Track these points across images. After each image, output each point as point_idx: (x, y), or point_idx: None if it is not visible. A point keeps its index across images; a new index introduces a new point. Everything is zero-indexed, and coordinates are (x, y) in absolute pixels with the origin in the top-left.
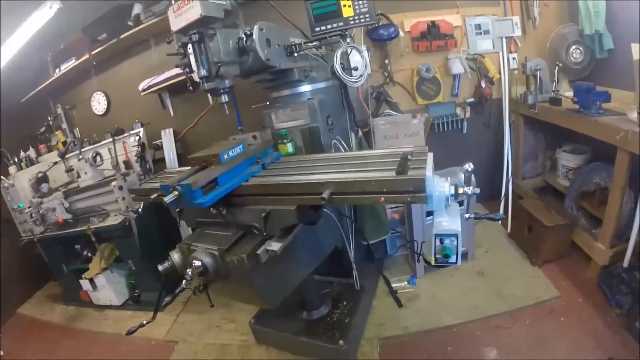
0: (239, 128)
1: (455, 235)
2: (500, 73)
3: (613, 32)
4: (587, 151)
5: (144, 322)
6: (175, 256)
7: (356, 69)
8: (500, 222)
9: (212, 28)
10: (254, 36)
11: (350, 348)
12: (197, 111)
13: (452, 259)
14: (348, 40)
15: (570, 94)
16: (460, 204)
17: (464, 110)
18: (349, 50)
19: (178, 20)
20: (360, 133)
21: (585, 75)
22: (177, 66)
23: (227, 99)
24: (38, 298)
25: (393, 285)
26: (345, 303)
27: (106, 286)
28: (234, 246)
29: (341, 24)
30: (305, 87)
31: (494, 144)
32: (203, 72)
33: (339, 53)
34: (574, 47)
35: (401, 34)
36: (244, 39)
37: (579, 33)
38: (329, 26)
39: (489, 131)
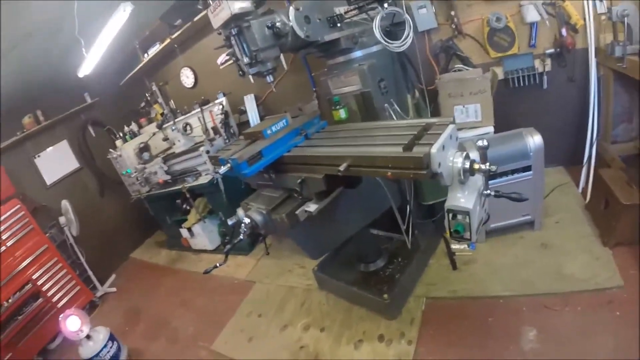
0: (313, 89)
1: (467, 213)
2: (584, 19)
3: None
4: None
5: (217, 264)
6: (240, 212)
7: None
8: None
9: (247, 20)
10: (290, 17)
11: (394, 303)
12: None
13: (466, 235)
14: (385, 5)
15: None
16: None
17: (543, 62)
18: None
19: (216, 19)
20: (417, 94)
21: None
22: (227, 55)
23: (271, 79)
24: (148, 244)
25: (452, 247)
26: (399, 260)
27: (201, 234)
28: (278, 206)
29: None
30: (358, 53)
31: (579, 101)
32: (246, 60)
33: (377, 19)
34: None
35: None
36: (274, 26)
37: None
38: None
39: (574, 86)
